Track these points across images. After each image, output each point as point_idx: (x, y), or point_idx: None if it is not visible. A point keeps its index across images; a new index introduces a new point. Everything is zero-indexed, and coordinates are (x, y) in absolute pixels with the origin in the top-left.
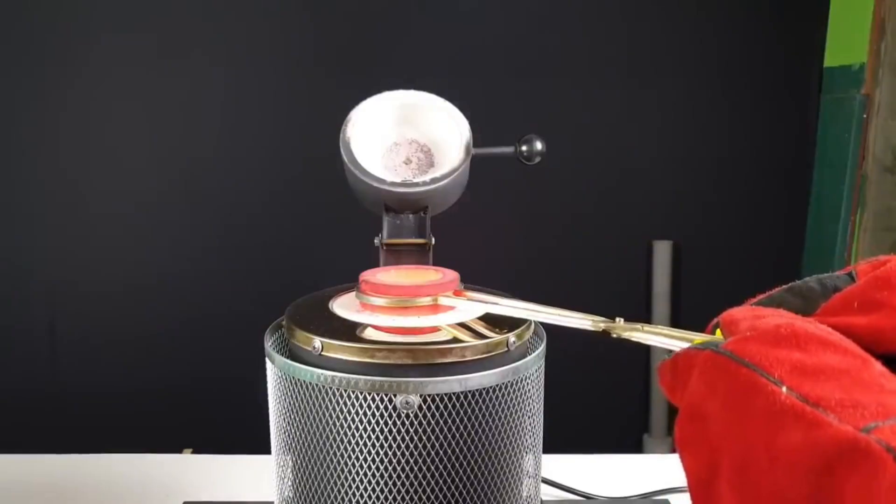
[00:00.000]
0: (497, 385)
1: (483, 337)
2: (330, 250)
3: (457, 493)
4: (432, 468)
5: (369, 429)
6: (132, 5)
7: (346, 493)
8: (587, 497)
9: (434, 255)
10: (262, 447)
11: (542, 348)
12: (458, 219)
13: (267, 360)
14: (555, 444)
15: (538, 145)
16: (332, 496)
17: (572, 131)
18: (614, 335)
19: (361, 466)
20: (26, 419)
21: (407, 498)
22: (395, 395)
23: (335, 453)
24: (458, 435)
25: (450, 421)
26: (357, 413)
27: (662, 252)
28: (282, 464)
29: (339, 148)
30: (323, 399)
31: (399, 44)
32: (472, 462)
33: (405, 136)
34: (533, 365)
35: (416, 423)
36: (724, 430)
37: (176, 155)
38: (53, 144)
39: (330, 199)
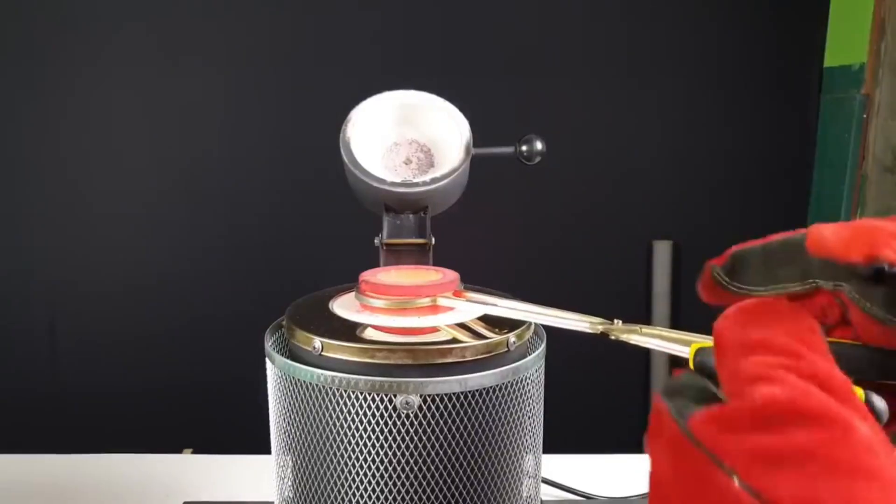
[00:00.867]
0: (497, 385)
1: (483, 337)
2: (330, 250)
3: (457, 494)
4: (432, 468)
5: (369, 429)
6: (132, 5)
7: (346, 493)
8: (587, 497)
9: (434, 255)
10: (262, 447)
11: (542, 348)
12: (458, 219)
13: (267, 360)
14: (555, 444)
15: (538, 145)
16: (332, 496)
17: (572, 131)
18: (612, 337)
19: (361, 467)
20: (26, 419)
21: (407, 498)
22: (395, 396)
23: (335, 453)
24: (458, 435)
25: (450, 421)
26: (357, 413)
27: (662, 252)
28: (282, 464)
29: (339, 148)
30: (323, 399)
31: (398, 44)
32: (472, 462)
33: (405, 136)
34: (533, 365)
35: (416, 423)
36: None
37: (176, 155)
38: (53, 144)
39: (330, 199)
